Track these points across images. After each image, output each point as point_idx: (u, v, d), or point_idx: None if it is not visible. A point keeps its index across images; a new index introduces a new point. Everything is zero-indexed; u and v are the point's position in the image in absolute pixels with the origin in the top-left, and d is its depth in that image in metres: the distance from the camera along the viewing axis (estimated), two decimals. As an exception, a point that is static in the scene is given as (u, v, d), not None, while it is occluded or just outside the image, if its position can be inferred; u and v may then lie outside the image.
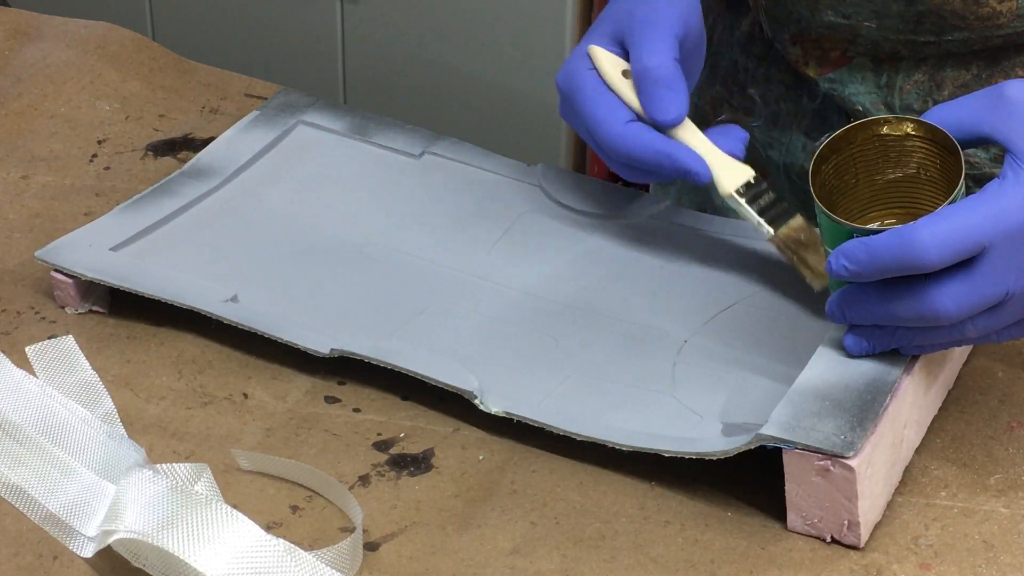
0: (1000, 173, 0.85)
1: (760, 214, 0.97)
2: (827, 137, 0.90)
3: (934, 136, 0.88)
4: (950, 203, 0.84)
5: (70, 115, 1.23)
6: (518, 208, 1.09)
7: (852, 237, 0.86)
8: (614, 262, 1.04)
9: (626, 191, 1.10)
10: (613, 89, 0.99)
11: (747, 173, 0.98)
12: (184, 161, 1.15)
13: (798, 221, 0.96)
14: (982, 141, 0.87)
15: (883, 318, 0.87)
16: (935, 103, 1.07)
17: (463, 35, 2.39)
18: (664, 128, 0.98)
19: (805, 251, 0.95)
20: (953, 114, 0.88)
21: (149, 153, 1.19)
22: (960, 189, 0.85)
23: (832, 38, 1.09)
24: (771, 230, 0.96)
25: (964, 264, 0.84)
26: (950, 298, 0.84)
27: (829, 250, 0.88)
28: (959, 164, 0.86)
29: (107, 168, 1.18)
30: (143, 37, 1.32)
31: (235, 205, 1.09)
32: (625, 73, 0.99)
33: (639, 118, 0.98)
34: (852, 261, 0.85)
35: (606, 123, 0.98)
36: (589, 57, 1.00)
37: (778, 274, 1.01)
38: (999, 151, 1.00)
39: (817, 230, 0.92)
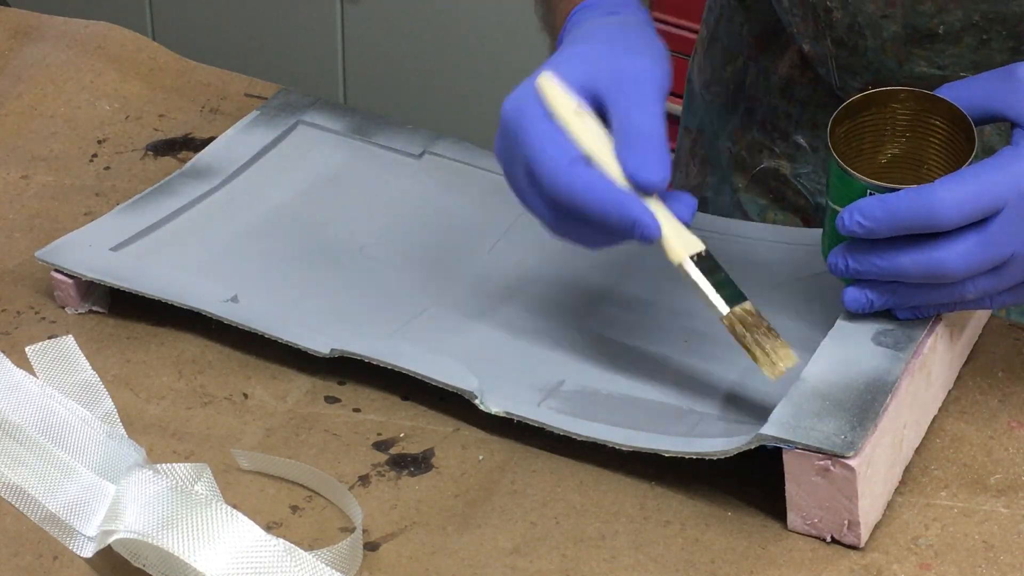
0: (1012, 142, 0.86)
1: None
2: (845, 102, 0.91)
3: (948, 113, 0.89)
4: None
5: (70, 115, 1.23)
6: (518, 208, 1.08)
7: (865, 195, 0.87)
8: (614, 262, 1.04)
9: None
10: (563, 126, 0.89)
11: (699, 245, 0.89)
12: (184, 161, 1.15)
13: (749, 304, 0.89)
14: (993, 118, 0.88)
15: (888, 273, 0.87)
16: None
17: (463, 35, 2.39)
18: (643, 191, 0.88)
19: (758, 332, 0.88)
20: (966, 91, 0.89)
21: (149, 153, 1.19)
22: (974, 159, 0.87)
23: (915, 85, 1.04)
24: (726, 307, 0.88)
25: (976, 224, 0.85)
26: (960, 256, 0.85)
27: (836, 208, 0.89)
28: (971, 140, 0.87)
29: (107, 168, 1.18)
30: (143, 37, 1.32)
31: (235, 205, 1.09)
32: (577, 113, 0.90)
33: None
34: (868, 218, 0.86)
35: (553, 159, 0.88)
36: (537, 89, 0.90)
37: (779, 275, 1.01)
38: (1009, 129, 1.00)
39: (764, 321, 0.88)
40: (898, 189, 0.86)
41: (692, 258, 0.89)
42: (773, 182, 1.16)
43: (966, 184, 0.84)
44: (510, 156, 0.91)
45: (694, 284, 0.89)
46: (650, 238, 0.88)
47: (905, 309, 0.90)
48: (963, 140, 0.88)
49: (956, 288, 0.87)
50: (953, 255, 0.85)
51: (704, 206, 1.20)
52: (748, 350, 0.88)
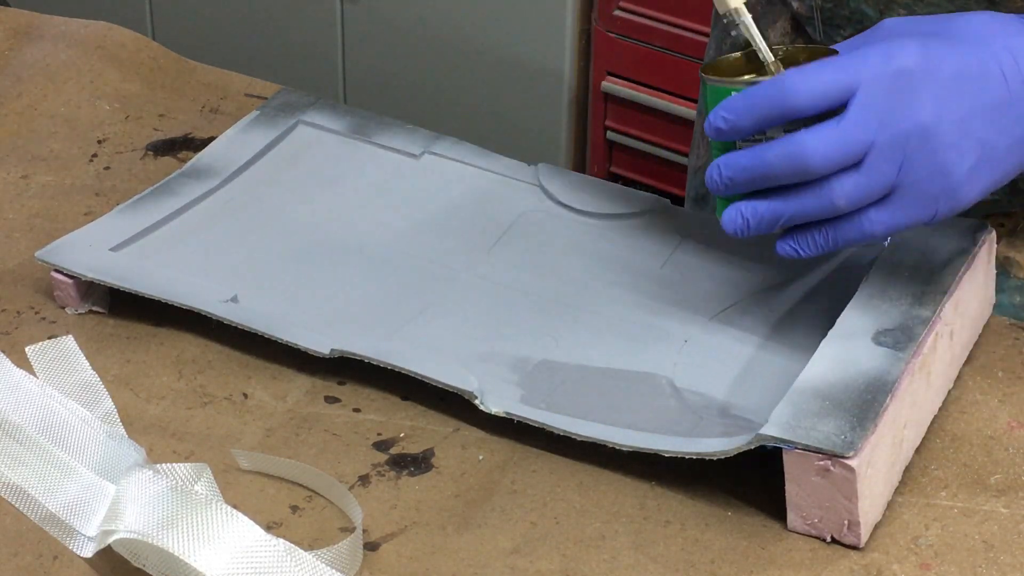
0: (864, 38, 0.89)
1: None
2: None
3: (818, 54, 0.91)
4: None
5: (70, 115, 1.23)
6: (518, 208, 1.09)
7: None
8: (614, 262, 1.04)
9: (626, 191, 1.10)
10: None
11: None
12: (184, 161, 1.15)
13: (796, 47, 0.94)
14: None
15: (755, 172, 0.88)
16: None
17: (463, 35, 2.39)
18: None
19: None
20: (840, 45, 0.92)
21: (149, 153, 1.19)
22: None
23: None
24: (771, 56, 0.92)
25: (834, 112, 0.87)
26: (819, 139, 0.86)
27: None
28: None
29: (107, 168, 1.18)
30: (143, 37, 1.32)
31: (235, 205, 1.09)
32: None
33: None
34: (730, 111, 0.88)
35: None
36: None
37: (778, 274, 1.01)
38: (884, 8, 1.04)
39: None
40: (759, 82, 0.88)
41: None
42: None
43: (819, 68, 0.87)
44: None
45: (746, 29, 0.92)
46: None
47: (784, 239, 0.90)
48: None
49: (824, 191, 0.87)
50: (813, 139, 0.86)
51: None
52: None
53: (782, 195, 0.89)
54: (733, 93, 0.89)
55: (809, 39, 1.12)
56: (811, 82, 0.87)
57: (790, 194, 0.89)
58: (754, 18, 0.98)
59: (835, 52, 0.90)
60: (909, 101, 0.87)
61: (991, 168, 0.89)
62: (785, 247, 0.90)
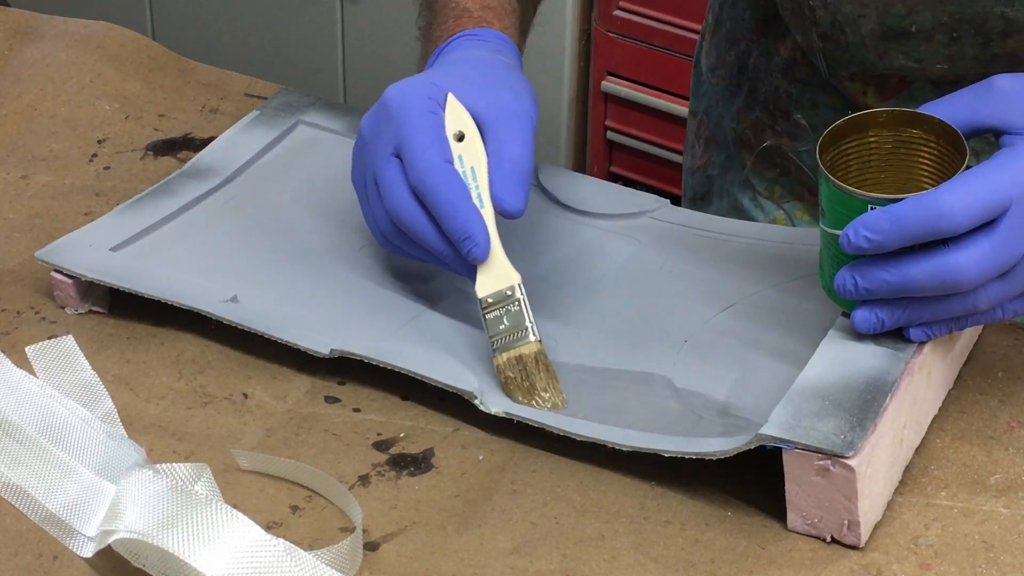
0: (1007, 144, 0.86)
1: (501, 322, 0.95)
2: (829, 128, 0.90)
3: (933, 127, 0.88)
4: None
5: (70, 115, 1.23)
6: (518, 208, 1.09)
7: (866, 210, 0.85)
8: (614, 262, 1.04)
9: (626, 191, 1.10)
10: (448, 137, 0.96)
11: (516, 277, 0.95)
12: (184, 161, 1.15)
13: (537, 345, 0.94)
14: (976, 132, 0.88)
15: (899, 287, 0.86)
16: None
17: (463, 35, 2.39)
18: (505, 215, 0.95)
19: (529, 378, 0.94)
20: (946, 109, 0.88)
21: (149, 153, 1.19)
22: (967, 167, 0.86)
23: (895, 73, 1.07)
24: (536, 336, 0.94)
25: (983, 228, 0.84)
26: (972, 260, 0.84)
27: (829, 231, 0.88)
28: (961, 151, 0.87)
29: (107, 168, 1.18)
30: (143, 37, 1.32)
31: (235, 205, 1.09)
32: (456, 136, 0.96)
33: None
34: (874, 231, 0.85)
35: (431, 150, 0.94)
36: (439, 96, 0.97)
37: (778, 274, 1.01)
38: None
39: (543, 367, 0.94)
40: (904, 198, 0.84)
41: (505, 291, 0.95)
42: (778, 159, 1.17)
43: (971, 185, 0.84)
44: (379, 136, 0.97)
45: (517, 306, 0.94)
46: (478, 256, 0.94)
47: (917, 327, 0.88)
48: (952, 152, 0.88)
49: (968, 298, 0.86)
50: (965, 259, 0.84)
51: (709, 184, 1.23)
52: (512, 389, 0.93)
53: (922, 301, 0.87)
54: (872, 207, 0.85)
55: (816, 72, 1.12)
56: (966, 204, 0.83)
57: (930, 301, 0.87)
58: (761, 35, 0.99)
59: (952, 129, 0.87)
60: None
61: None
62: (919, 334, 0.89)
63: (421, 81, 0.99)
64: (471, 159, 0.96)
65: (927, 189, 0.87)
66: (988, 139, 0.91)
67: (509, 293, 0.95)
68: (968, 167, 0.86)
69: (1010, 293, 0.87)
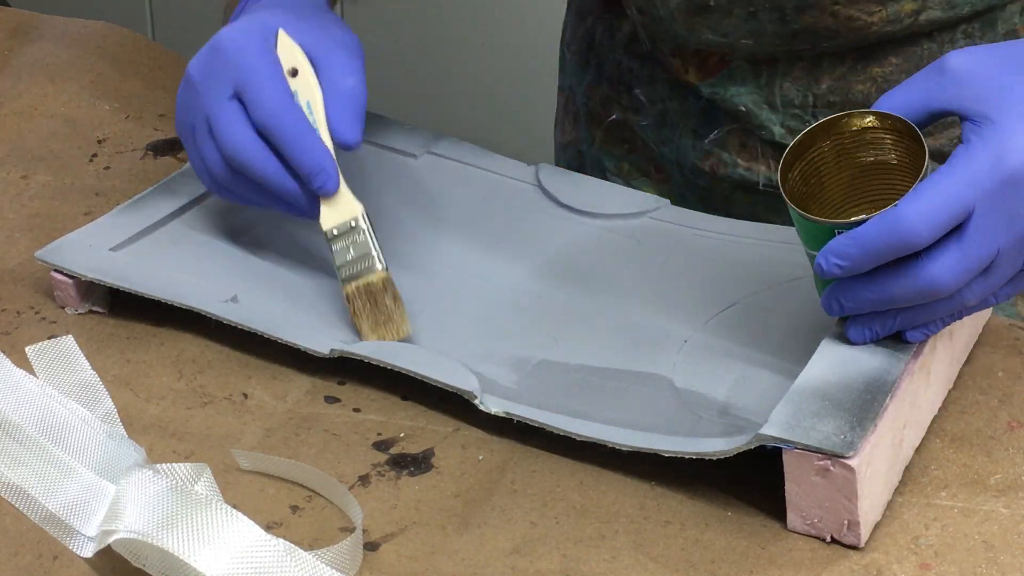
0: (963, 138, 0.85)
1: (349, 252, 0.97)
2: (790, 145, 0.90)
3: (891, 124, 0.88)
4: (921, 181, 0.85)
5: (70, 115, 1.23)
6: (518, 208, 1.09)
7: (834, 235, 0.86)
8: (614, 261, 1.04)
9: (626, 191, 1.10)
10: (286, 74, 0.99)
11: (359, 208, 0.98)
12: (184, 161, 1.15)
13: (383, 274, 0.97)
14: (936, 116, 0.88)
15: (882, 303, 0.87)
16: (815, 96, 1.11)
17: (463, 35, 2.39)
18: (344, 147, 0.98)
19: (376, 307, 0.97)
20: (901, 98, 0.88)
21: (149, 153, 1.19)
22: (927, 169, 0.86)
23: (710, 50, 1.11)
24: (383, 264, 0.97)
25: (952, 233, 0.84)
26: (946, 268, 0.84)
27: (812, 252, 0.88)
28: (922, 146, 0.87)
29: (107, 168, 1.18)
30: (143, 37, 1.32)
31: (234, 205, 1.09)
32: (291, 72, 0.99)
33: None
34: (843, 257, 0.85)
35: (274, 90, 0.97)
36: (271, 36, 0.99)
37: (778, 274, 1.01)
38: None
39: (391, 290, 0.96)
40: (865, 221, 0.85)
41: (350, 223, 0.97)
42: (626, 132, 1.21)
43: (930, 196, 0.83)
44: (214, 78, 0.98)
45: (362, 236, 0.97)
46: (331, 189, 0.96)
47: (913, 329, 0.89)
48: (915, 146, 0.87)
49: (955, 298, 0.86)
50: (939, 268, 0.84)
51: (581, 160, 1.27)
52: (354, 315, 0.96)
53: (910, 308, 0.88)
54: (838, 232, 0.86)
55: None
56: (928, 217, 0.83)
57: (917, 307, 0.87)
58: (604, 10, 1.04)
59: (908, 124, 0.87)
60: None
61: None
62: (916, 335, 0.89)
63: (252, 22, 1.01)
64: (306, 94, 0.98)
65: (905, 182, 0.87)
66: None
67: (353, 224, 0.97)
68: (929, 160, 0.86)
69: (996, 285, 0.87)
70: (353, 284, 0.96)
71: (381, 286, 0.96)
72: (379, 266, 0.97)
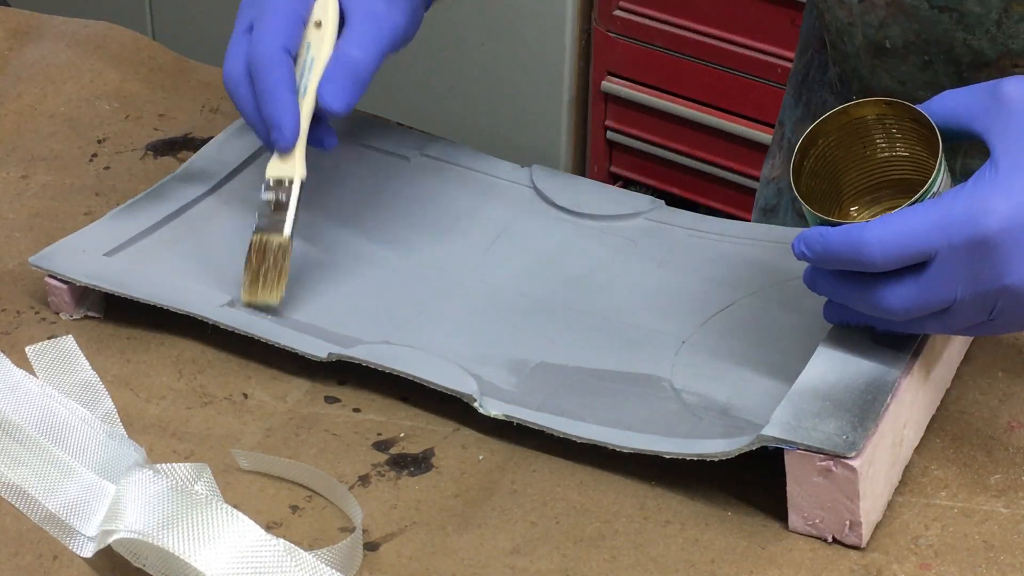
0: (974, 175, 0.84)
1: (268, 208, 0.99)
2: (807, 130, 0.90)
3: (908, 114, 0.88)
4: (917, 199, 0.85)
5: (70, 115, 1.23)
6: (512, 210, 1.09)
7: (817, 223, 0.87)
8: (610, 263, 1.04)
9: (622, 192, 1.10)
10: (304, 24, 1.00)
11: (300, 173, 1.00)
12: (184, 161, 1.15)
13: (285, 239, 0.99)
14: (970, 136, 0.86)
15: (840, 299, 0.88)
16: None
17: (462, 35, 2.39)
18: (327, 112, 0.99)
19: (280, 265, 0.98)
20: (948, 104, 0.87)
21: (149, 153, 1.19)
22: (938, 175, 0.85)
23: (893, 96, 1.05)
24: (290, 232, 0.98)
25: (913, 268, 0.84)
26: (897, 297, 0.84)
27: None
28: (935, 153, 0.86)
29: (107, 168, 1.18)
30: (143, 37, 1.32)
31: (228, 209, 1.08)
32: (316, 23, 1.00)
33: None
34: (809, 248, 0.86)
35: (274, 33, 0.99)
36: None
37: (776, 274, 1.01)
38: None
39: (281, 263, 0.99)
40: (839, 223, 0.85)
41: (279, 180, 1.00)
42: None
43: (894, 229, 0.83)
44: (246, 7, 1.02)
45: (286, 198, 0.99)
46: (280, 147, 0.99)
47: (883, 329, 0.89)
48: (933, 139, 0.87)
49: (913, 324, 0.86)
50: (891, 296, 0.84)
51: (780, 196, 1.23)
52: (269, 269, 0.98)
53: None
54: (813, 225, 0.87)
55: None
56: (885, 243, 0.83)
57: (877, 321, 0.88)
58: (821, 45, 0.98)
59: (924, 116, 0.86)
60: (993, 268, 0.82)
61: None
62: (886, 332, 0.89)
63: None
64: (317, 50, 1.00)
65: (919, 178, 0.87)
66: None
67: (287, 184, 1.00)
68: (940, 173, 0.85)
69: (955, 327, 0.86)
70: (259, 235, 0.99)
71: (277, 249, 0.98)
72: (287, 231, 0.99)
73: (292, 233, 0.99)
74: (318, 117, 1.01)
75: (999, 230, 0.81)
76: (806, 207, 0.88)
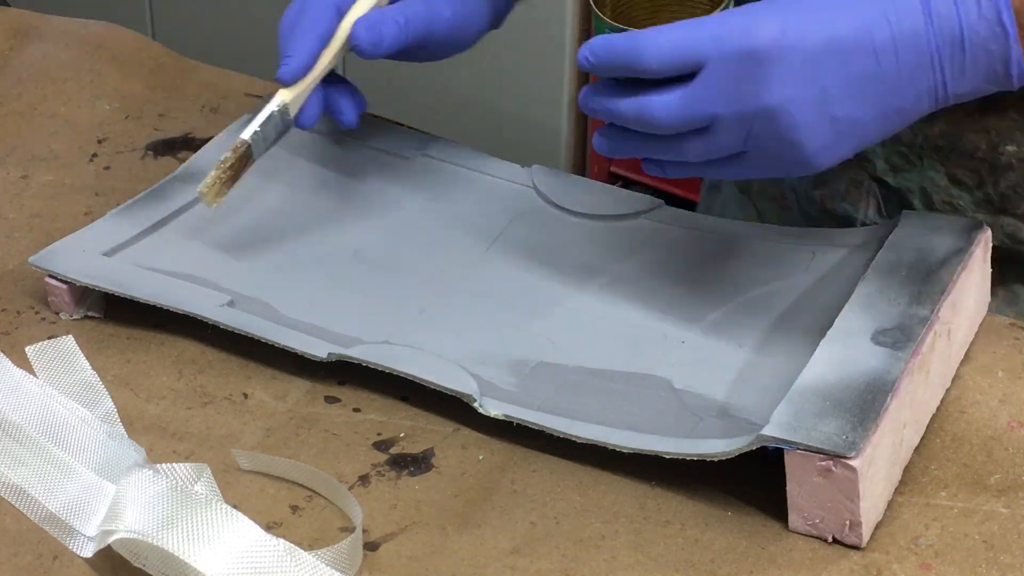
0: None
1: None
2: None
3: None
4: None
5: (70, 115, 1.23)
6: (513, 210, 1.09)
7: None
8: (610, 263, 1.04)
9: (621, 192, 1.10)
10: None
11: (286, 97, 1.02)
12: (184, 161, 1.15)
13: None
14: None
15: (608, 113, 0.90)
16: (925, 137, 1.05)
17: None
18: (355, 49, 1.03)
19: (233, 167, 1.00)
20: None
21: (149, 153, 1.19)
22: (728, 6, 0.90)
23: None
24: (248, 135, 1.00)
25: (683, 79, 0.87)
26: (663, 105, 0.88)
27: None
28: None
29: (107, 168, 1.18)
30: (143, 37, 1.32)
31: (228, 209, 1.08)
32: None
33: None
34: (593, 52, 0.89)
35: None
36: None
37: (775, 274, 1.01)
38: (983, 195, 1.01)
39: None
40: (626, 29, 0.89)
41: (281, 107, 1.02)
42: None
43: (671, 35, 0.87)
44: None
45: (261, 107, 1.02)
46: (283, 78, 1.02)
47: (648, 162, 0.92)
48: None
49: (675, 146, 0.89)
50: (657, 102, 0.88)
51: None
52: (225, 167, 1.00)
53: (640, 137, 0.91)
54: (601, 33, 0.90)
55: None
56: (662, 46, 0.87)
57: (648, 140, 0.91)
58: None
59: None
60: (756, 84, 0.86)
61: (850, 140, 0.89)
62: (650, 167, 0.93)
63: None
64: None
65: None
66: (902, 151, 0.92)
67: (276, 102, 1.02)
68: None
69: (715, 152, 0.89)
70: (249, 135, 1.00)
71: (238, 147, 1.00)
72: (246, 136, 1.00)
73: (251, 139, 1.00)
74: (345, 82, 1.05)
75: (770, 43, 0.86)
76: (599, 15, 0.92)
